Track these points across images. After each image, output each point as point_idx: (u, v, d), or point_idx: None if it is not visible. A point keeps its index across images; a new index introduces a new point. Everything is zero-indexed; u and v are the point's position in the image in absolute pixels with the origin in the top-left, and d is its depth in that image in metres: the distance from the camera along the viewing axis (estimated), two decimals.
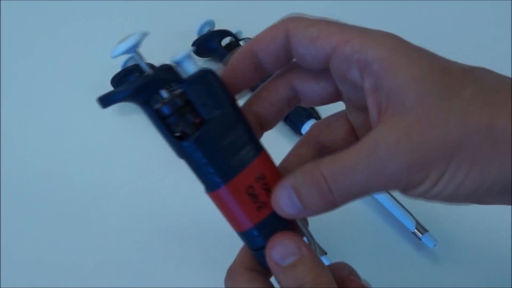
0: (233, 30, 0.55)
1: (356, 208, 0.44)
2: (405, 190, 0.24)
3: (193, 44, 0.54)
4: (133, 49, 0.25)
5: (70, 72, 0.54)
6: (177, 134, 0.26)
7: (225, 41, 0.54)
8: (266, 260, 0.27)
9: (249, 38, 0.54)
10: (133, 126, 0.49)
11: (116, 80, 0.50)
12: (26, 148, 0.48)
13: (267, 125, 0.29)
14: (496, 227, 0.42)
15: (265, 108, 0.28)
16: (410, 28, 0.55)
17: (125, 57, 0.51)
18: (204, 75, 0.25)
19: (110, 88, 0.50)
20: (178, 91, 0.25)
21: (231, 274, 0.28)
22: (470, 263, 0.41)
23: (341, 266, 0.29)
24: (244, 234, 0.27)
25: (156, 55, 0.55)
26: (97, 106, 0.54)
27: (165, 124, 0.25)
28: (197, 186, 0.44)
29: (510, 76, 0.24)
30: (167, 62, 0.25)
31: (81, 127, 0.50)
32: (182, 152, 0.25)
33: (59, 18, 0.60)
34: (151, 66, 0.26)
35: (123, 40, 0.25)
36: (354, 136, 0.30)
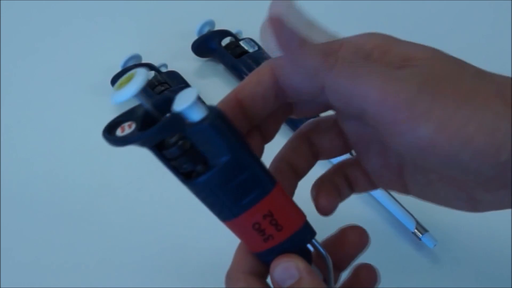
0: (233, 30, 0.55)
1: (356, 208, 0.44)
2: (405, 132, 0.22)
3: (193, 45, 0.54)
4: (137, 94, 0.23)
5: (70, 72, 0.54)
6: (187, 171, 0.25)
7: (225, 41, 0.54)
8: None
9: (249, 38, 0.54)
10: None
11: (116, 80, 0.50)
12: (26, 148, 0.48)
13: (267, 139, 0.29)
14: (496, 227, 0.42)
15: (264, 124, 0.28)
16: (410, 28, 0.55)
17: (125, 57, 0.51)
18: (209, 123, 0.24)
19: (110, 88, 0.50)
20: (184, 135, 0.25)
21: (229, 280, 0.28)
22: (470, 263, 0.41)
23: None
24: (255, 254, 0.28)
25: (156, 55, 0.56)
26: (97, 106, 0.55)
27: (172, 165, 0.25)
28: None
29: (510, 75, 0.24)
30: (164, 61, 0.25)
31: (81, 127, 0.50)
32: (190, 189, 0.25)
33: (59, 18, 0.60)
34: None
35: (124, 84, 0.23)
36: (342, 138, 0.30)
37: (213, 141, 0.24)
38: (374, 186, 0.31)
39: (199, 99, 0.24)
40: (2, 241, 0.42)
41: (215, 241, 0.41)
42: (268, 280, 0.28)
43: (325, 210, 0.30)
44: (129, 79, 0.23)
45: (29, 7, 0.60)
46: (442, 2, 0.62)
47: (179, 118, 0.24)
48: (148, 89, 0.49)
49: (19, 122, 0.50)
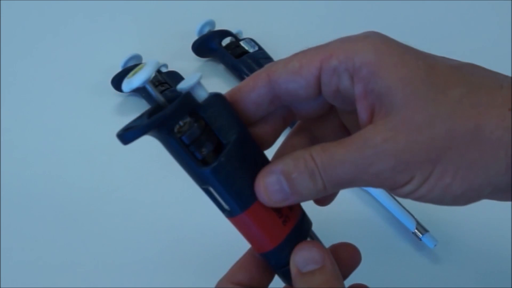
0: (234, 30, 0.55)
1: (356, 208, 0.44)
2: (391, 189, 0.24)
3: (193, 45, 0.54)
4: (146, 82, 0.24)
5: (70, 72, 0.54)
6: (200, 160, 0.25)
7: (226, 41, 0.54)
8: (290, 277, 0.27)
9: (249, 38, 0.54)
10: None
11: (117, 80, 0.50)
12: (26, 148, 0.48)
13: (266, 144, 0.28)
14: (496, 227, 0.42)
15: (262, 129, 0.28)
16: (410, 28, 0.55)
17: (125, 57, 0.51)
18: (216, 98, 0.25)
19: (110, 88, 0.50)
20: (194, 118, 0.25)
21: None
22: (470, 263, 0.41)
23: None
24: (271, 253, 0.27)
25: (156, 55, 0.56)
26: (97, 106, 0.54)
27: (189, 152, 0.24)
28: (197, 187, 0.44)
29: (510, 75, 0.24)
30: (165, 60, 0.25)
31: (81, 127, 0.50)
32: (207, 178, 0.25)
33: (59, 18, 0.60)
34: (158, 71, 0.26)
35: (135, 73, 0.24)
36: (344, 130, 0.30)
37: (225, 113, 0.25)
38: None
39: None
40: (2, 241, 0.42)
41: (215, 241, 0.41)
42: None
43: None
44: (140, 69, 0.24)
45: (29, 7, 0.60)
46: (442, 2, 0.62)
47: (189, 96, 0.24)
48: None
49: (19, 122, 0.50)
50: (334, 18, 0.59)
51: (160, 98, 0.25)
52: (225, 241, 0.42)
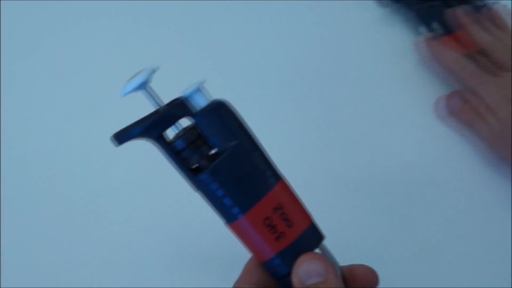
0: None
1: None
2: None
3: None
4: (143, 86, 0.24)
5: (70, 72, 0.54)
6: (193, 167, 0.25)
7: None
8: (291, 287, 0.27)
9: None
10: None
11: None
12: (26, 148, 0.48)
13: None
14: (496, 227, 0.42)
15: None
16: None
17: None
18: (215, 107, 0.25)
19: (110, 87, 0.50)
20: (190, 124, 0.25)
21: None
22: (470, 263, 0.41)
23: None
24: (266, 264, 0.27)
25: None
26: (97, 106, 0.54)
27: (179, 158, 0.25)
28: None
29: None
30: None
31: (81, 127, 0.50)
32: (198, 186, 0.25)
33: (60, 18, 0.60)
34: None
35: (133, 77, 0.24)
36: None
37: (222, 124, 0.25)
38: None
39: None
40: (2, 241, 0.42)
41: (215, 241, 0.41)
42: None
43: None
44: (136, 74, 0.25)
45: (29, 7, 0.60)
46: None
47: (185, 103, 0.25)
48: None
49: (19, 122, 0.50)
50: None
51: (158, 103, 0.25)
52: (225, 240, 0.42)
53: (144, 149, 0.47)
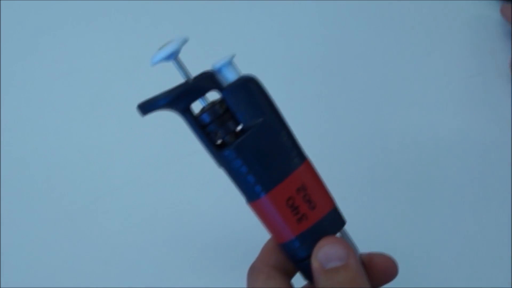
0: None
1: None
2: None
3: None
4: (173, 56, 0.24)
5: (70, 72, 0.54)
6: (218, 143, 0.25)
7: None
8: (308, 271, 0.26)
9: None
10: (134, 125, 0.48)
11: None
12: (26, 148, 0.48)
13: None
14: (496, 227, 0.42)
15: None
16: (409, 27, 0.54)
17: None
18: (244, 83, 0.25)
19: (110, 88, 0.50)
20: (218, 99, 0.25)
21: (252, 271, 0.28)
22: (470, 263, 0.41)
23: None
24: (285, 246, 0.27)
25: None
26: (97, 106, 0.54)
27: (205, 132, 0.25)
28: (197, 186, 0.44)
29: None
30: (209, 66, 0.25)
31: (81, 127, 0.50)
32: (222, 161, 0.25)
33: (59, 17, 0.60)
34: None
35: (162, 46, 0.24)
36: None
37: (251, 100, 0.25)
38: None
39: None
40: (2, 241, 0.42)
41: (215, 242, 0.41)
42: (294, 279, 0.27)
43: None
44: (166, 44, 0.24)
45: (29, 7, 0.60)
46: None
47: (211, 77, 0.24)
48: None
49: (19, 122, 0.50)
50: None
51: (186, 75, 0.25)
52: (225, 241, 0.42)
53: (144, 149, 0.47)
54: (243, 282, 0.28)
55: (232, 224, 0.42)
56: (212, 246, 0.42)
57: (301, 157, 0.26)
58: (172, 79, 0.25)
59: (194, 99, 0.24)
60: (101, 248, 0.42)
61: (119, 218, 0.44)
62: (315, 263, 0.26)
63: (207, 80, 0.24)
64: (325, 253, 0.26)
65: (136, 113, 0.26)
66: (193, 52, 0.27)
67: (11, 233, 0.42)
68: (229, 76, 0.25)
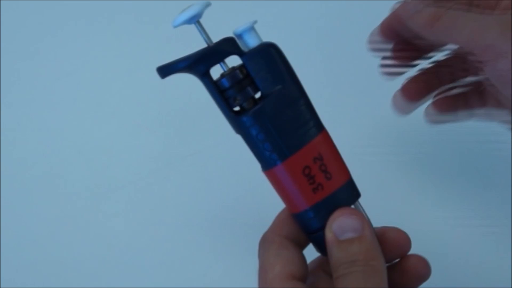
0: None
1: None
2: None
3: None
4: (195, 19, 0.24)
5: (70, 72, 0.54)
6: (236, 109, 0.25)
7: None
8: (320, 243, 0.26)
9: None
10: (134, 125, 0.48)
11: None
12: (26, 148, 0.48)
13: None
14: (496, 227, 0.42)
15: None
16: None
17: None
18: (265, 49, 0.25)
19: (111, 88, 0.50)
20: (238, 64, 0.25)
21: (264, 241, 0.27)
22: (470, 263, 0.41)
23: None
24: (298, 216, 0.26)
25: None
26: (97, 106, 0.54)
27: (223, 97, 0.25)
28: (197, 187, 0.44)
29: None
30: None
31: (81, 127, 0.50)
32: (239, 127, 0.25)
33: (59, 17, 0.60)
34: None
35: (184, 9, 0.24)
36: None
37: (271, 67, 0.24)
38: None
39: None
40: (2, 241, 0.42)
41: (215, 242, 0.41)
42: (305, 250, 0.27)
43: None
44: (188, 7, 0.24)
45: (29, 7, 0.60)
46: None
47: (231, 41, 0.24)
48: None
49: (19, 122, 0.50)
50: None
51: (207, 39, 0.25)
52: (226, 242, 0.42)
53: (144, 149, 0.47)
54: (245, 282, 0.28)
55: (232, 223, 0.42)
56: (212, 246, 0.41)
57: (319, 127, 0.26)
58: (172, 79, 0.25)
59: (214, 63, 0.24)
60: (101, 248, 0.42)
61: (120, 218, 0.44)
62: (329, 234, 0.25)
63: (229, 44, 0.24)
64: (340, 224, 0.25)
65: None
66: (213, 18, 0.27)
67: (11, 233, 0.42)
68: (250, 42, 0.25)
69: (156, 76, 0.34)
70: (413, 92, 0.34)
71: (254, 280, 0.26)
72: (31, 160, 0.47)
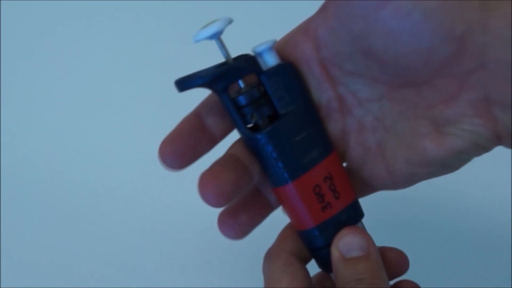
0: None
1: None
2: None
3: None
4: (217, 36, 0.24)
5: (71, 72, 0.54)
6: (250, 125, 0.26)
7: None
8: (324, 260, 0.26)
9: None
10: (135, 125, 0.49)
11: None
12: (26, 148, 0.48)
13: None
14: (496, 227, 0.42)
15: None
16: None
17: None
18: (283, 68, 0.25)
19: (111, 87, 0.50)
20: (256, 82, 0.25)
21: (269, 257, 0.28)
22: (470, 263, 0.41)
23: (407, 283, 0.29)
24: (304, 233, 0.27)
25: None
26: (97, 106, 0.54)
27: (240, 114, 0.25)
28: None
29: None
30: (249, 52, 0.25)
31: (81, 127, 0.50)
32: (254, 144, 0.25)
33: (60, 17, 0.60)
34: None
35: (206, 25, 0.24)
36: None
37: (288, 87, 0.25)
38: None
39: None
40: (2, 241, 0.42)
41: (215, 242, 0.41)
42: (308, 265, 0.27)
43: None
44: (210, 23, 0.24)
45: (29, 7, 0.60)
46: None
47: (251, 60, 0.25)
48: None
49: (19, 122, 0.50)
50: None
51: (227, 55, 0.25)
52: (225, 242, 0.42)
53: (144, 149, 0.47)
54: (247, 283, 0.28)
55: None
56: (213, 247, 0.42)
57: (330, 147, 0.26)
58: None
59: (233, 80, 0.25)
60: (101, 248, 0.42)
61: (119, 218, 0.44)
62: (335, 252, 0.26)
63: (249, 62, 0.25)
64: (346, 242, 0.26)
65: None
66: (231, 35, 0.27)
67: (11, 233, 0.42)
68: (269, 61, 0.25)
69: (156, 76, 0.34)
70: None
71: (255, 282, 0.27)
72: (31, 160, 0.47)
